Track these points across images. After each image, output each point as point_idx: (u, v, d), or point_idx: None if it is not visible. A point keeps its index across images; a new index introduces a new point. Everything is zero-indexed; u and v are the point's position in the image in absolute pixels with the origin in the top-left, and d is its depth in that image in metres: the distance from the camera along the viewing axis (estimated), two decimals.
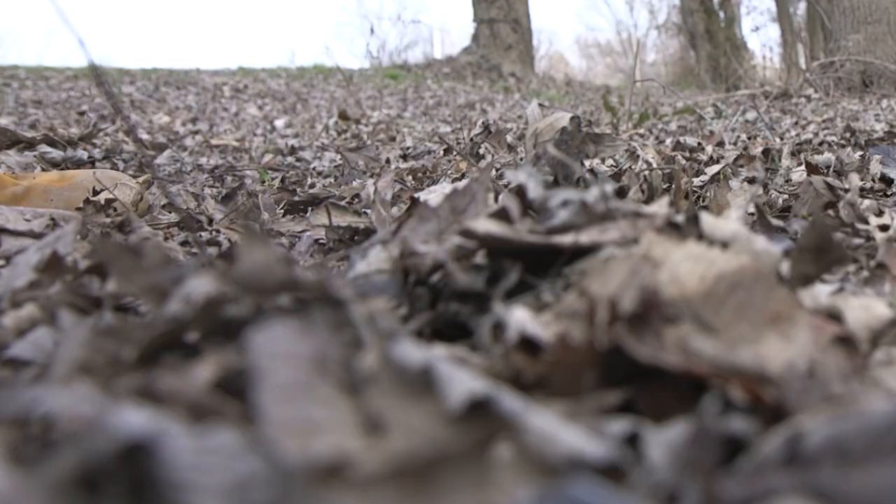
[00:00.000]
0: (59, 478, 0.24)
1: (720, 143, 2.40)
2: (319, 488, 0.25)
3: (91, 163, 2.32)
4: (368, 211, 1.11)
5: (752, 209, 0.96)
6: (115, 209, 1.29)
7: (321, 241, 1.04)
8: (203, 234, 1.18)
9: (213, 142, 3.66)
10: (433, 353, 0.34)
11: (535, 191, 0.55)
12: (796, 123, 3.87)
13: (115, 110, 0.55)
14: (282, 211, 1.38)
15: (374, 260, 0.53)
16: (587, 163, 1.32)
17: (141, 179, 1.47)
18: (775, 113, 4.68)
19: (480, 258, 0.51)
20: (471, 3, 10.72)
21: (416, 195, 0.96)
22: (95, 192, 1.33)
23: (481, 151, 2.09)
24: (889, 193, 1.30)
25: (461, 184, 0.62)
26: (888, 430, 0.28)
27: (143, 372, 0.36)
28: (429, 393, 0.31)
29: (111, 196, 1.29)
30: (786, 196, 1.22)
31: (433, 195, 0.87)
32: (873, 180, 1.35)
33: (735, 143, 2.48)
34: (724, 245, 0.47)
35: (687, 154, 1.99)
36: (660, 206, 0.52)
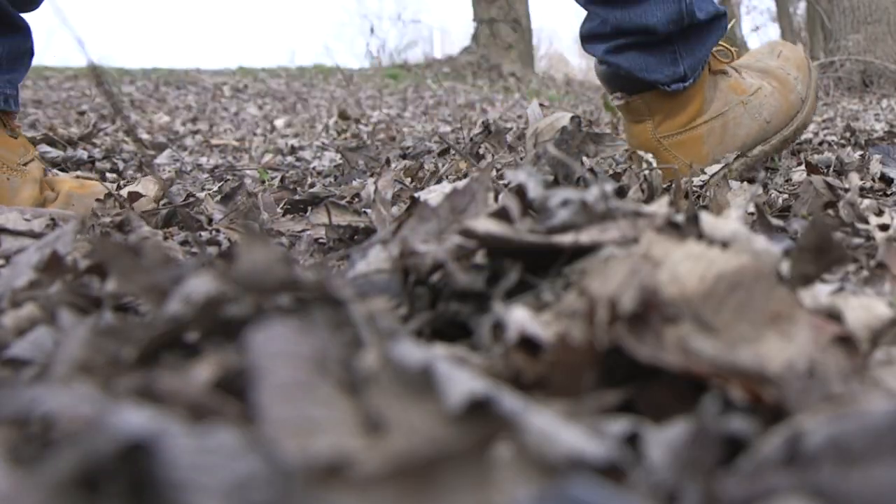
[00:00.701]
0: (58, 478, 0.24)
1: None
2: (319, 488, 0.25)
3: (91, 163, 2.32)
4: (368, 210, 1.11)
5: (752, 209, 0.96)
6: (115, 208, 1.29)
7: (321, 240, 1.04)
8: (203, 233, 1.18)
9: (213, 141, 3.65)
10: (433, 352, 0.34)
11: (535, 190, 0.55)
12: None
13: (115, 110, 0.55)
14: (282, 210, 1.38)
15: (374, 259, 0.53)
16: (587, 162, 1.32)
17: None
18: None
19: (480, 258, 0.51)
20: (471, 2, 10.72)
21: (416, 195, 0.96)
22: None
23: (481, 151, 2.09)
24: (889, 193, 1.30)
25: (461, 184, 0.62)
26: (888, 430, 0.28)
27: (143, 372, 0.36)
28: (429, 393, 0.31)
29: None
30: (786, 196, 1.22)
31: (433, 195, 0.87)
32: (873, 180, 1.35)
33: None
34: (724, 245, 0.47)
35: None
36: (660, 206, 0.52)
